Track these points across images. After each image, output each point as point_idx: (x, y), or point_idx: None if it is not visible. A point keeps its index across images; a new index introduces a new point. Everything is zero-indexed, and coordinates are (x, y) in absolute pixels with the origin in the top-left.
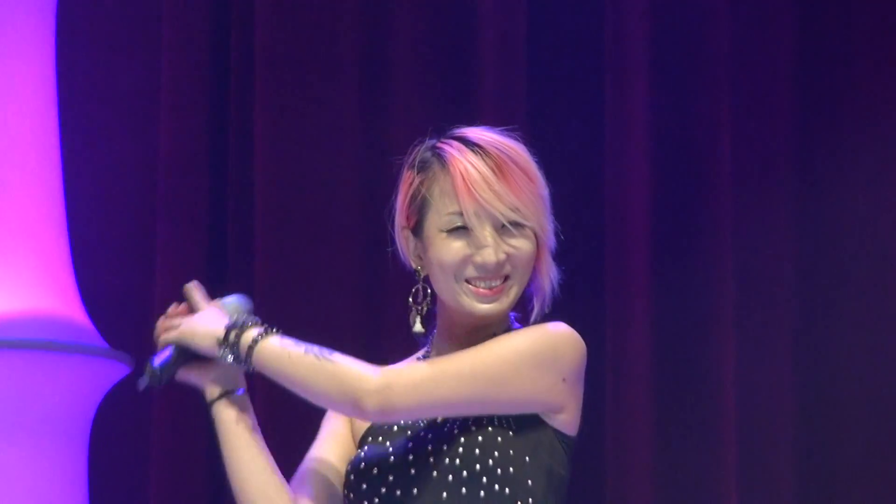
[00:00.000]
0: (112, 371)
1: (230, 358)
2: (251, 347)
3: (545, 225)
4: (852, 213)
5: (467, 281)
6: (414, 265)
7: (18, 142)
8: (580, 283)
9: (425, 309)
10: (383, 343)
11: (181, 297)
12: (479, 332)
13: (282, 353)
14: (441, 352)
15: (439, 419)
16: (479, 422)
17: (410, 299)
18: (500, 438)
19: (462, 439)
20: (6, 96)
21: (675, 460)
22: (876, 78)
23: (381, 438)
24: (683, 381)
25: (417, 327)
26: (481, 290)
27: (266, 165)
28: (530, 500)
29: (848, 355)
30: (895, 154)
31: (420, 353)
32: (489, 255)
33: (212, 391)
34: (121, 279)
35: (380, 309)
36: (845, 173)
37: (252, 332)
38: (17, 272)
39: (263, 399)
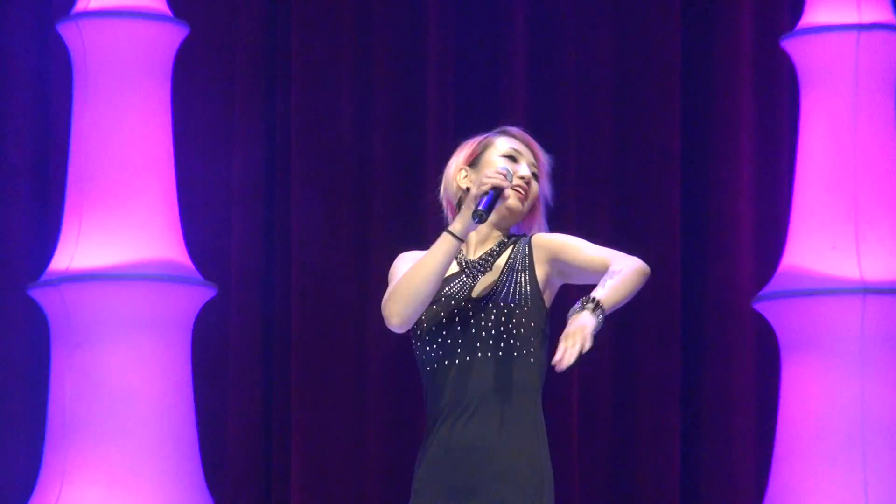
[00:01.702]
0: (205, 294)
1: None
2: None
3: (548, 186)
4: None
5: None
6: (462, 185)
7: (146, 157)
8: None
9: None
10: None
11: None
12: (497, 231)
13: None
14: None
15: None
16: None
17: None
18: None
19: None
20: (132, 123)
21: None
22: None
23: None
24: None
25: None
26: (520, 193)
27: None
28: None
29: None
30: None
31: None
32: (525, 169)
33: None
34: (208, 233)
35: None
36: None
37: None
38: (150, 235)
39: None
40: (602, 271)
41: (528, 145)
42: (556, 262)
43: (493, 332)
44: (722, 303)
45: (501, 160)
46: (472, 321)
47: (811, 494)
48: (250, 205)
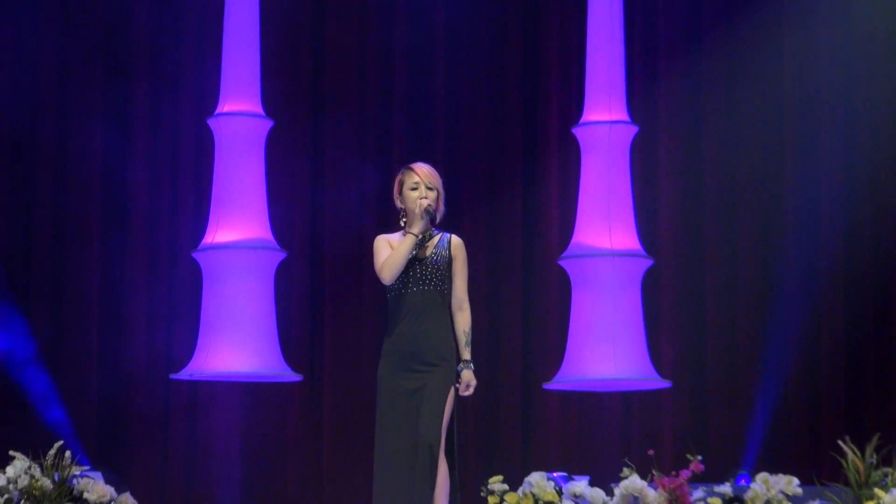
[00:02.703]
0: (280, 255)
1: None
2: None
3: (441, 190)
4: None
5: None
6: (399, 205)
7: (250, 187)
8: None
9: (402, 221)
10: None
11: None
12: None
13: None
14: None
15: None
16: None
17: (401, 217)
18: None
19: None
20: (244, 170)
21: None
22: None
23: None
24: None
25: (401, 225)
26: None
27: None
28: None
29: None
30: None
31: (402, 233)
32: (423, 191)
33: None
34: (283, 223)
35: None
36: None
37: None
38: (252, 225)
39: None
40: (457, 293)
41: (420, 174)
42: (453, 260)
43: (428, 276)
44: (542, 260)
45: (410, 191)
46: (419, 270)
47: (585, 361)
48: (302, 208)
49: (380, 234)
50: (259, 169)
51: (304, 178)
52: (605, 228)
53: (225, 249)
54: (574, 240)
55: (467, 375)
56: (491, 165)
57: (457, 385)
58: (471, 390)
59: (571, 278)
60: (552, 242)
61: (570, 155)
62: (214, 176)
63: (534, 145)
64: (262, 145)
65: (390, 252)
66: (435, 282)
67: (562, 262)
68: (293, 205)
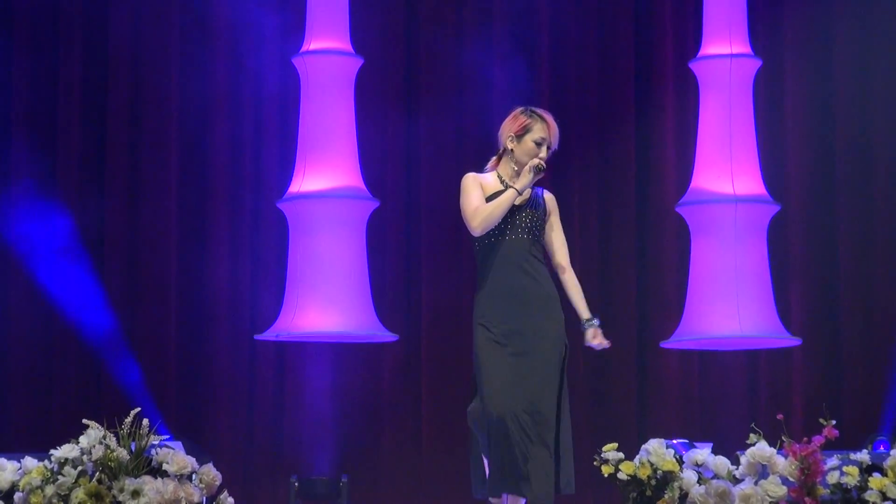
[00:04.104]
0: (372, 205)
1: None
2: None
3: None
4: None
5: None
6: (508, 145)
7: (341, 130)
8: None
9: (495, 160)
10: None
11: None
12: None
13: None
14: (509, 182)
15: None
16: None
17: (498, 156)
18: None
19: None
20: (332, 109)
21: None
22: None
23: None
24: None
25: (492, 165)
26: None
27: None
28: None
29: None
30: None
31: (492, 173)
32: (545, 153)
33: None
34: (374, 172)
35: None
36: None
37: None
38: (342, 173)
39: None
40: (562, 251)
41: (552, 133)
42: (549, 215)
43: (530, 224)
44: (659, 207)
45: (532, 143)
46: (517, 217)
47: (706, 317)
48: (395, 152)
49: (470, 172)
50: (349, 111)
51: (398, 120)
52: (726, 171)
53: (313, 199)
54: (693, 184)
55: (594, 333)
56: (601, 104)
57: (589, 344)
58: (607, 342)
59: (690, 226)
60: (669, 188)
61: (688, 92)
62: (301, 119)
63: (648, 82)
64: (352, 85)
65: (480, 195)
66: (535, 231)
67: (680, 209)
68: (386, 149)
